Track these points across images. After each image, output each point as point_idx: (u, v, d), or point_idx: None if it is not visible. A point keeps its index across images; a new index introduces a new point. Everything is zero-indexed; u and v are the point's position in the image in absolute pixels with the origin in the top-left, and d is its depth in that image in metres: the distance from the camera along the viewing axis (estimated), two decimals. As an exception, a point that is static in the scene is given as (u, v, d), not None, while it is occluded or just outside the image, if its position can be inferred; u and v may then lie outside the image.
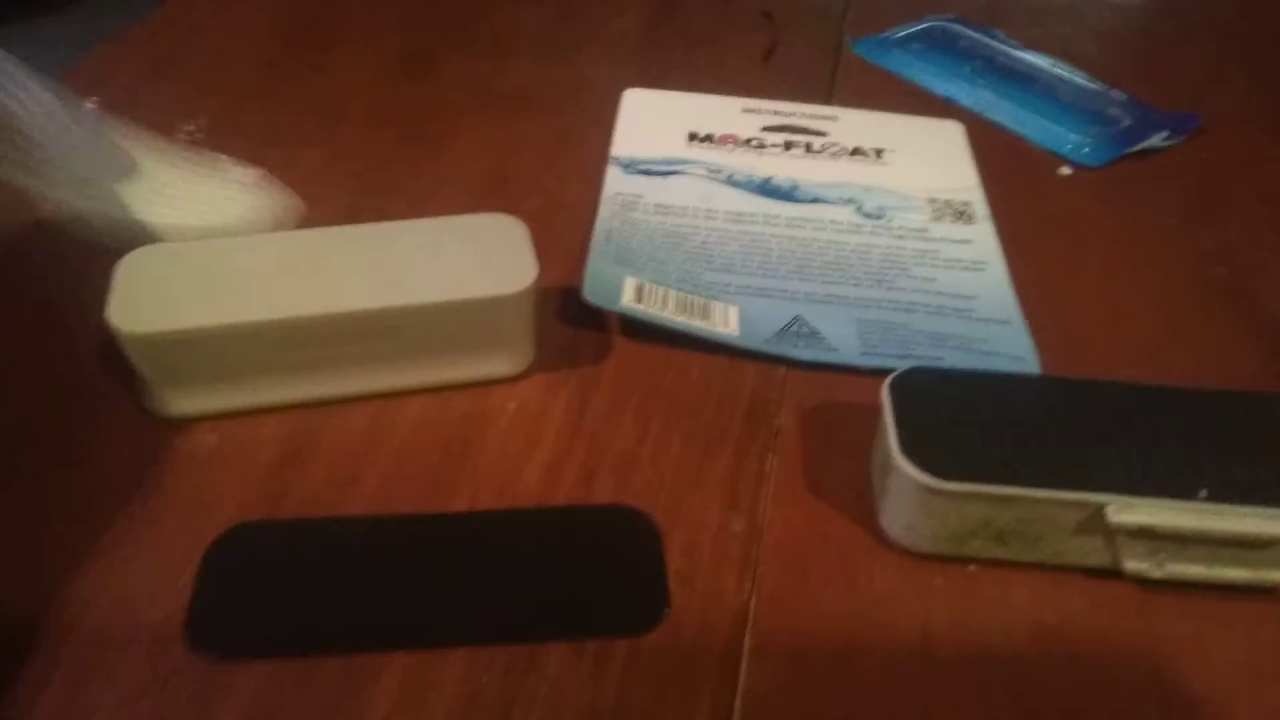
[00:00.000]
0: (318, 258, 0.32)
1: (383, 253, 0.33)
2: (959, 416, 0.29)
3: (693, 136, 0.47)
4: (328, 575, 0.28)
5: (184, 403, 0.32)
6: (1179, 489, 0.27)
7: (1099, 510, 0.27)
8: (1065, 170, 0.47)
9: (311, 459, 0.31)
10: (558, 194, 0.43)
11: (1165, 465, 0.28)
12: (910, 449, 0.28)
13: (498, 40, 0.54)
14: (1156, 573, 0.28)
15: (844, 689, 0.26)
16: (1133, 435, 0.29)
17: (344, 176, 0.43)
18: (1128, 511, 0.27)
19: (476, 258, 0.33)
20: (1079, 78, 0.54)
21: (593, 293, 0.36)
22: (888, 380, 0.30)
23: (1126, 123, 0.50)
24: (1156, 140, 0.49)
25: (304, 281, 0.31)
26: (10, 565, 0.28)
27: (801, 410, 0.34)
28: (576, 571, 0.28)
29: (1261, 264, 0.42)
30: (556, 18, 0.57)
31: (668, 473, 0.32)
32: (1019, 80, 0.53)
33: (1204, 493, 0.27)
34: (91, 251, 0.36)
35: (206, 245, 0.33)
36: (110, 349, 0.33)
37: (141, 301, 0.30)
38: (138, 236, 0.36)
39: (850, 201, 0.43)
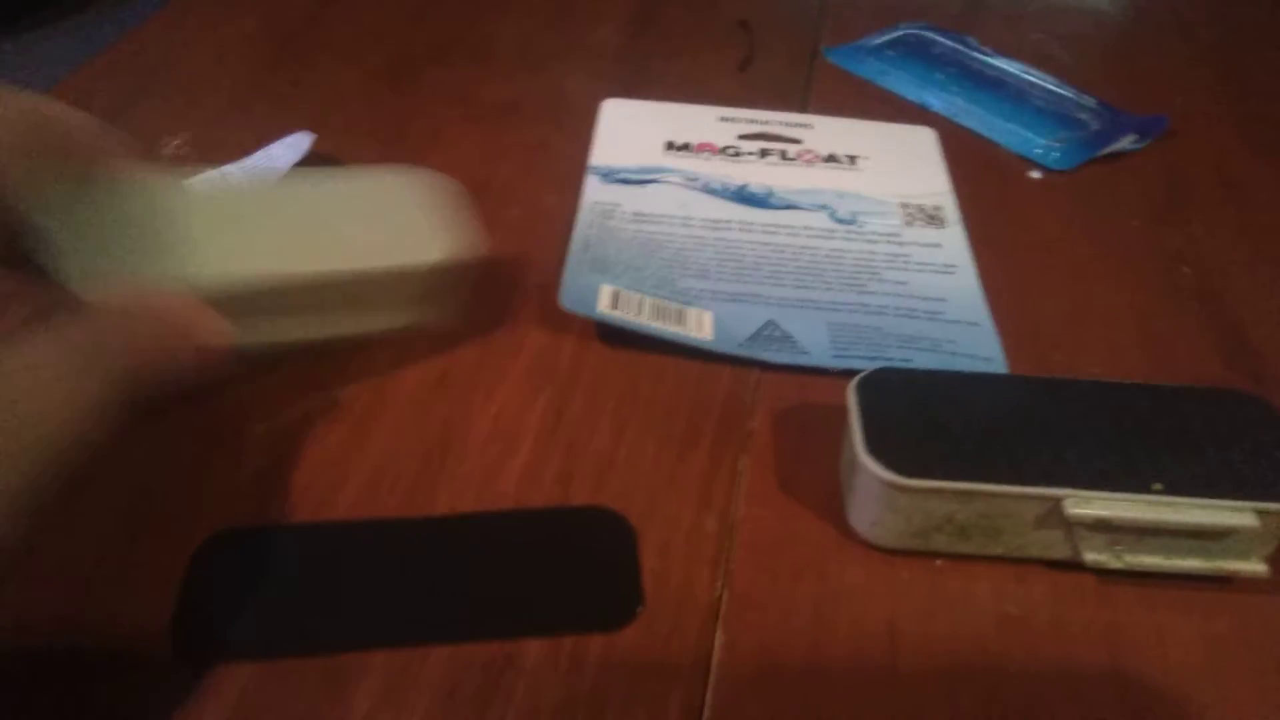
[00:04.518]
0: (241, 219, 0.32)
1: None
2: (923, 415, 0.30)
3: (670, 145, 0.47)
4: (310, 579, 0.29)
5: None
6: (1135, 483, 0.28)
7: (1057, 504, 0.28)
8: (1035, 174, 0.48)
9: (295, 466, 0.32)
10: (537, 202, 0.44)
11: (1122, 460, 0.29)
12: (875, 447, 0.29)
13: (481, 52, 0.55)
14: (1115, 564, 0.29)
15: (813, 681, 0.27)
16: (1091, 431, 0.29)
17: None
18: (1085, 505, 0.28)
19: (392, 222, 0.33)
20: (1050, 83, 0.55)
21: (569, 300, 0.37)
22: (854, 381, 0.31)
23: (1095, 127, 0.51)
24: (1125, 143, 0.50)
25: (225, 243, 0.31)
26: None
27: (774, 412, 0.35)
28: (553, 571, 0.29)
29: (1225, 264, 0.43)
30: (538, 29, 0.58)
31: (643, 474, 0.33)
32: (990, 86, 0.54)
33: (1159, 485, 0.28)
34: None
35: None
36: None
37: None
38: None
39: (824, 207, 0.44)
